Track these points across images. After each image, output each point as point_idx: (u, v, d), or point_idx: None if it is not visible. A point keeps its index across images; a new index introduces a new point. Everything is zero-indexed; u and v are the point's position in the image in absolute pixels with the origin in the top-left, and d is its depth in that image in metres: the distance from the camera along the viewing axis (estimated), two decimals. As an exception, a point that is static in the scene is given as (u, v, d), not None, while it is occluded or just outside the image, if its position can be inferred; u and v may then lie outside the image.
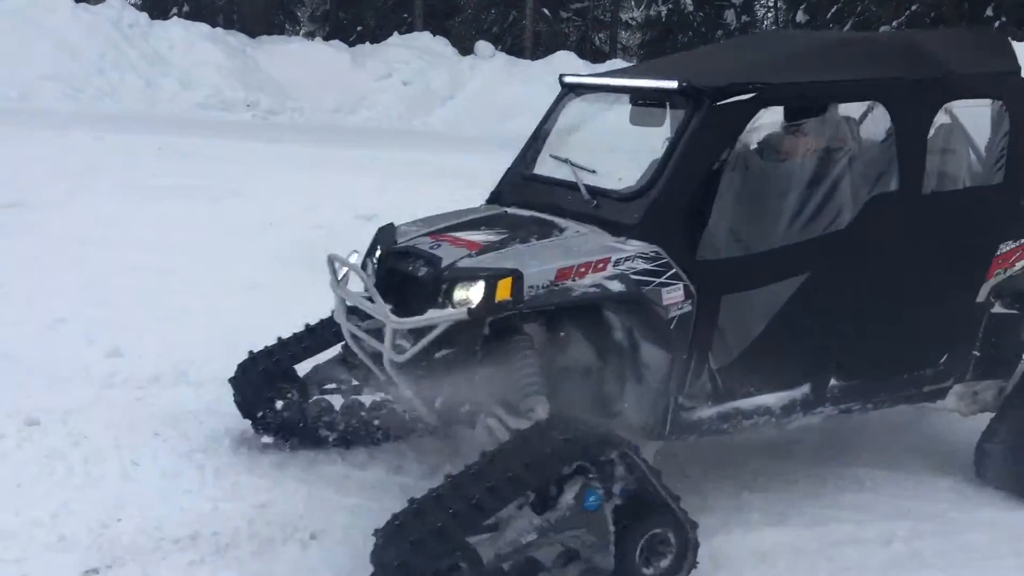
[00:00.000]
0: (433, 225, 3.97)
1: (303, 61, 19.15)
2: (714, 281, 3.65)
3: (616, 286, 3.47)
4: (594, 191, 3.81)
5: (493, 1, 24.59)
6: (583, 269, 3.45)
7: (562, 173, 4.04)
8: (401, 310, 3.48)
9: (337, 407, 4.38)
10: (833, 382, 3.95)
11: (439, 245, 3.70)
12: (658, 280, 3.52)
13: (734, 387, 3.78)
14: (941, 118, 4.20)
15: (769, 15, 26.09)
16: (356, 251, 3.93)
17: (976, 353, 4.29)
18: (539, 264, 3.45)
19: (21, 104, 14.54)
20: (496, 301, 3.36)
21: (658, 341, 3.54)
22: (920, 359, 4.18)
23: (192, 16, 19.77)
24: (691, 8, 25.07)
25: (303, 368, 4.43)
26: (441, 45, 20.52)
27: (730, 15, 25.08)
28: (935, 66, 4.01)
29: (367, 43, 21.39)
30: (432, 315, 3.42)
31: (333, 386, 4.40)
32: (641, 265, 3.50)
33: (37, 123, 12.63)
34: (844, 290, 3.87)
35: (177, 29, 18.47)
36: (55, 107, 14.67)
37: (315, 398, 4.37)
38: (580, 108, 4.37)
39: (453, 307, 3.39)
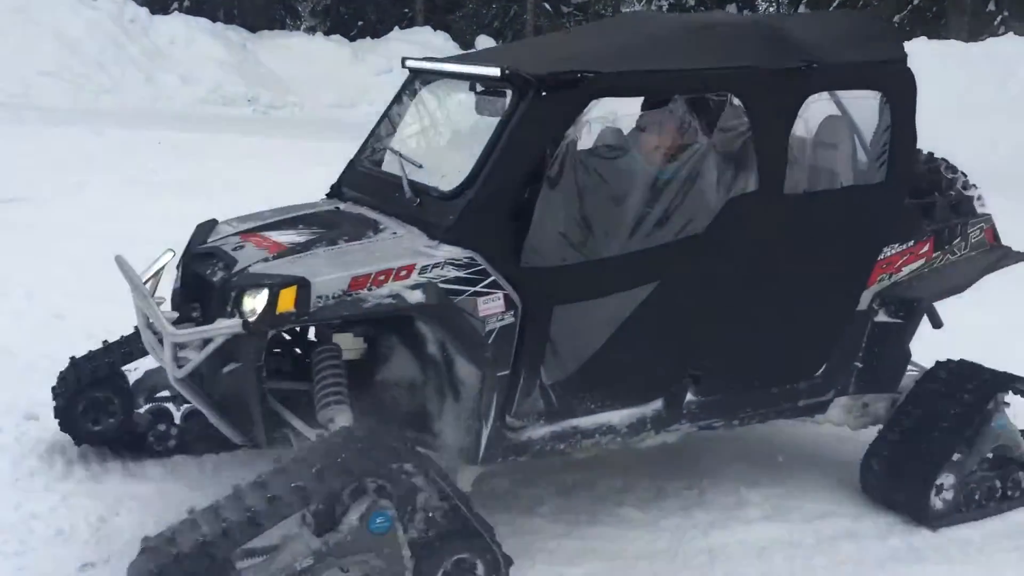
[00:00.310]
0: (251, 222, 3.63)
1: (304, 56, 19.16)
2: (543, 290, 3.33)
3: (417, 296, 3.11)
4: (419, 189, 3.44)
5: (493, -5, 24.53)
6: (382, 277, 3.10)
7: (398, 167, 3.62)
8: (204, 319, 3.18)
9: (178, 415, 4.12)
10: (690, 397, 3.65)
11: (242, 247, 3.36)
12: (473, 289, 3.19)
13: (572, 405, 3.46)
14: (827, 109, 3.94)
15: (771, 10, 26.04)
16: (172, 250, 3.58)
17: (858, 365, 4.01)
18: (333, 271, 3.11)
19: (21, 100, 14.55)
20: (278, 313, 3.02)
21: (472, 356, 3.21)
22: (792, 372, 3.88)
23: (193, 11, 19.74)
24: (692, 3, 25.06)
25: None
26: (442, 40, 20.52)
27: (731, 10, 25.03)
28: (799, 54, 3.63)
29: (368, 38, 21.41)
30: (207, 328, 3.08)
31: (167, 393, 4.08)
32: (452, 273, 3.17)
33: (37, 119, 12.65)
34: (699, 299, 3.55)
35: (178, 24, 18.47)
36: (55, 103, 14.69)
37: (148, 407, 4.11)
38: (429, 96, 3.99)
39: (241, 317, 3.04)
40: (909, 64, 3.82)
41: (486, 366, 3.20)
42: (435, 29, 21.18)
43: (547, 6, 23.45)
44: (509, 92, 3.39)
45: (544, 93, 3.23)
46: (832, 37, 3.87)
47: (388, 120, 4.02)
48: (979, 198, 4.28)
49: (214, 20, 19.23)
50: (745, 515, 3.94)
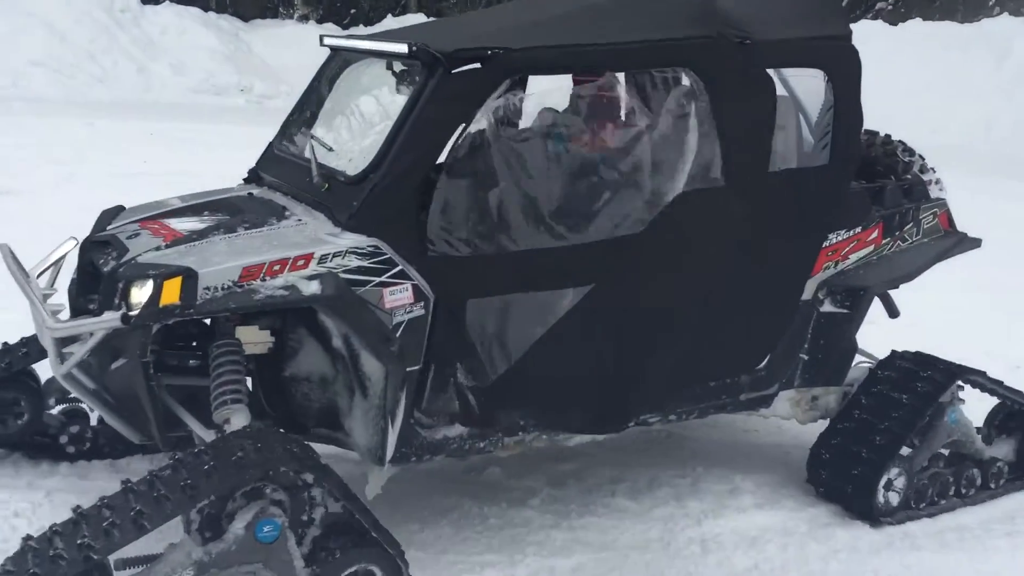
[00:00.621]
0: (155, 209, 3.40)
1: (297, 45, 18.98)
2: (455, 282, 3.13)
3: (313, 287, 2.90)
4: (327, 173, 3.22)
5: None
6: (277, 267, 2.89)
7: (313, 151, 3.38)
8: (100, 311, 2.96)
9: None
10: (628, 396, 3.46)
11: (138, 235, 3.16)
12: (378, 279, 2.99)
13: (492, 401, 3.26)
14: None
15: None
16: (75, 238, 3.35)
17: (804, 357, 3.84)
18: (224, 261, 2.90)
19: (11, 90, 14.44)
20: (161, 305, 2.80)
21: (376, 350, 3.00)
22: (733, 366, 3.70)
23: (184, 1, 19.59)
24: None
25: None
26: (435, 27, 20.39)
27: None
28: (731, 29, 3.35)
29: (361, 26, 21.25)
30: (85, 321, 2.90)
31: None
32: (355, 262, 2.96)
33: (27, 109, 12.55)
34: (635, 293, 3.34)
35: (169, 14, 18.33)
36: (45, 93, 14.56)
37: (62, 407, 3.88)
38: (351, 75, 3.77)
39: (128, 309, 2.84)
40: (870, 42, 3.67)
41: (390, 361, 3.01)
42: (428, 16, 21.04)
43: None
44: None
45: (453, 71, 3.03)
46: (771, 12, 3.64)
47: (308, 101, 3.81)
48: (937, 182, 4.15)
49: (206, 10, 19.10)
50: (738, 503, 3.90)
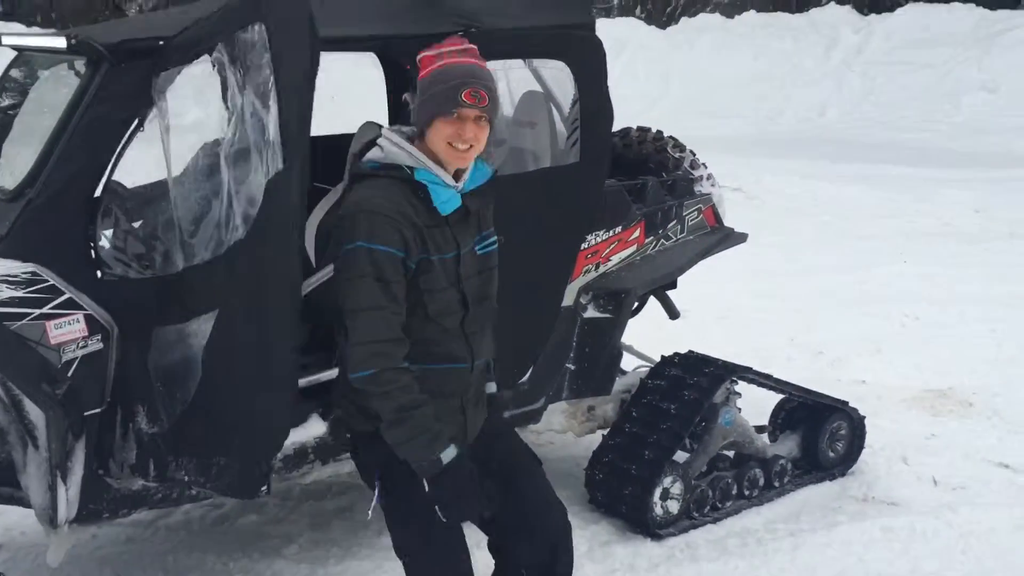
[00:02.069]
0: None
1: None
2: (137, 308, 2.71)
3: None
4: None
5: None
6: None
7: None
8: None
9: None
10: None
11: None
12: (39, 311, 2.57)
13: (185, 444, 2.76)
14: (529, 83, 3.52)
15: None
16: None
17: (570, 367, 3.63)
18: None
19: None
20: None
21: (33, 395, 2.55)
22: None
23: (5, 17, 18.46)
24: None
25: None
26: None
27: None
28: (456, 18, 3.11)
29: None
30: None
31: None
32: (6, 292, 2.54)
33: None
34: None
35: (-15, 32, 17.27)
36: None
37: None
38: (37, 78, 3.35)
39: None
40: (601, 32, 3.39)
41: (49, 407, 2.55)
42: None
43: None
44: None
45: (121, 65, 2.68)
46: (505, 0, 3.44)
47: None
48: (708, 177, 4.08)
49: (29, 25, 18.04)
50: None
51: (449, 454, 2.31)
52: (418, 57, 2.35)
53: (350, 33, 3.05)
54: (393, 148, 2.34)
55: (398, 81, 3.59)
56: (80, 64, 2.89)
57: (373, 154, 2.36)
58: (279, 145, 2.48)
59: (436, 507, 2.34)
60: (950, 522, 3.70)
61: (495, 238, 2.52)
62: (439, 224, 2.34)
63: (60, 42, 2.76)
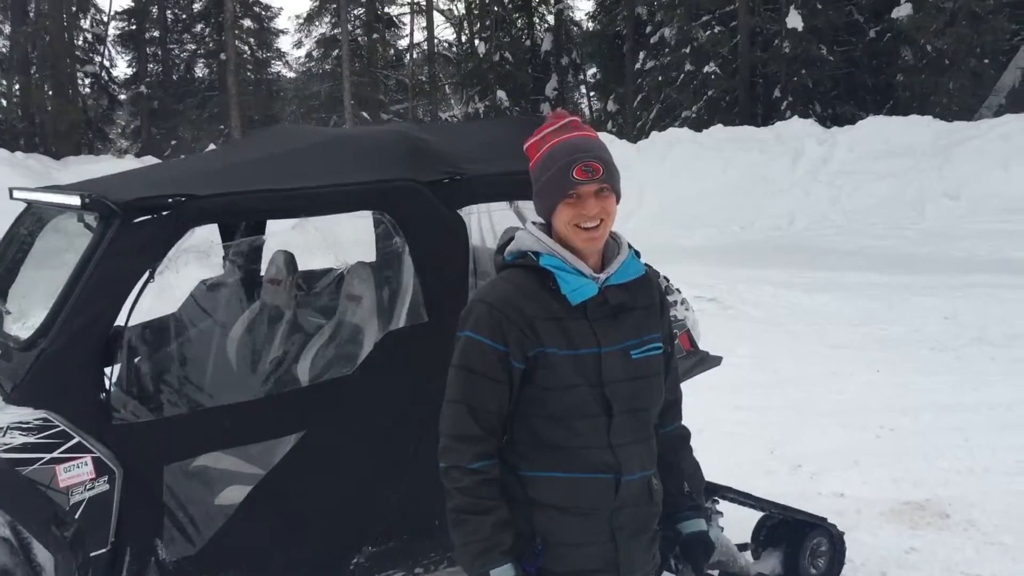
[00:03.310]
0: None
1: (113, 180, 18.48)
2: (148, 449, 2.88)
3: None
4: (2, 339, 2.99)
5: (313, 107, 24.57)
6: None
7: None
8: None
9: None
10: (360, 550, 3.22)
11: None
12: (49, 456, 2.70)
13: (201, 571, 2.99)
14: (512, 220, 3.59)
15: (582, 105, 27.12)
16: None
17: None
18: None
19: None
20: None
21: (42, 537, 2.68)
22: None
23: (-12, 142, 18.86)
24: (507, 103, 25.77)
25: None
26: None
27: (546, 108, 25.92)
28: (443, 166, 3.32)
29: (182, 156, 20.93)
30: None
31: None
32: (19, 439, 2.67)
33: None
34: (351, 434, 3.16)
35: (-30, 156, 17.54)
36: None
37: None
38: (46, 228, 3.55)
39: None
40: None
41: (58, 549, 2.67)
42: (252, 143, 20.98)
43: (365, 115, 23.61)
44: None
45: (133, 221, 2.85)
46: (484, 145, 3.59)
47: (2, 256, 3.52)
48: (682, 302, 4.21)
49: (13, 150, 18.39)
50: None
51: (502, 573, 2.06)
52: (524, 147, 2.24)
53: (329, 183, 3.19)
54: (524, 236, 2.19)
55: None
56: (90, 217, 3.05)
57: (511, 246, 2.21)
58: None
59: None
60: (933, 638, 3.73)
61: (658, 344, 2.24)
62: (574, 316, 2.12)
63: (74, 199, 2.94)
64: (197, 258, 3.24)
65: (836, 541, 4.15)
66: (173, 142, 23.16)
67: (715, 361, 4.26)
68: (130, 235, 2.85)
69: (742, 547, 4.14)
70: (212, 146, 21.18)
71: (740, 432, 6.08)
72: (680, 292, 4.32)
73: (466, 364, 2.09)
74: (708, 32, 21.46)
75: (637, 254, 2.23)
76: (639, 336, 2.18)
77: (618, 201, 2.15)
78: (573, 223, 2.10)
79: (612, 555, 2.14)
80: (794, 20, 20.05)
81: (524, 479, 2.13)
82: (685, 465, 2.33)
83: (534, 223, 2.19)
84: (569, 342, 2.09)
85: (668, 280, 4.34)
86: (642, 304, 2.21)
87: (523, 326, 2.08)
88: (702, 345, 4.32)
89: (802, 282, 10.98)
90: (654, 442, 2.24)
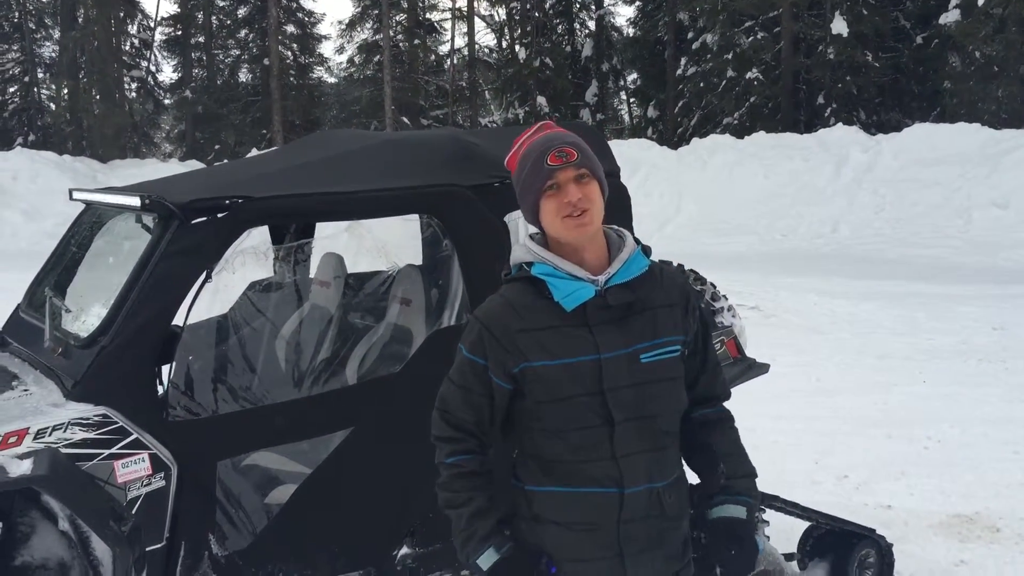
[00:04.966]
0: None
1: (158, 183, 18.77)
2: (202, 445, 2.93)
3: (24, 467, 2.61)
4: (63, 337, 3.02)
5: (354, 112, 24.75)
6: None
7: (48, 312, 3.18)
8: None
9: None
10: (405, 551, 3.22)
11: None
12: (108, 452, 2.74)
13: (253, 562, 3.02)
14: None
15: (622, 111, 27.07)
16: None
17: None
18: None
19: None
20: None
21: (101, 531, 2.70)
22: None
23: (38, 145, 19.22)
24: (547, 109, 25.78)
25: None
26: (301, 159, 20.46)
27: (585, 114, 25.89)
28: (490, 169, 3.30)
29: (226, 160, 21.20)
30: None
31: None
32: (79, 435, 2.70)
33: None
34: (398, 431, 3.14)
35: (21, 159, 17.92)
36: None
37: None
38: (105, 228, 3.57)
39: None
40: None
41: (117, 543, 2.69)
42: (294, 148, 21.19)
43: (405, 120, 23.74)
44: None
45: (191, 222, 2.90)
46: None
47: (58, 258, 3.55)
48: (729, 309, 4.17)
49: (61, 153, 18.77)
50: None
51: (487, 559, 2.04)
52: (505, 162, 2.19)
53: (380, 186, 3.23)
54: (518, 248, 2.13)
55: None
56: (148, 218, 3.10)
57: (510, 261, 2.16)
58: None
59: None
60: (984, 653, 3.67)
61: (675, 347, 2.09)
62: (572, 323, 2.02)
63: (134, 201, 2.98)
64: (254, 259, 3.29)
65: (884, 553, 4.09)
66: (216, 146, 23.45)
67: (763, 368, 4.22)
68: (188, 236, 2.88)
69: (788, 557, 4.10)
70: (255, 150, 21.46)
71: (785, 441, 6.01)
72: (727, 299, 4.29)
73: (450, 374, 2.12)
74: (751, 38, 21.33)
75: (646, 252, 2.11)
76: (653, 338, 2.05)
77: (604, 193, 2.05)
78: (559, 215, 2.01)
79: (620, 572, 2.04)
80: (839, 26, 19.86)
81: (529, 495, 2.08)
82: (720, 447, 2.17)
83: (530, 236, 2.13)
84: (561, 351, 2.00)
85: (715, 287, 4.31)
86: (659, 303, 2.08)
87: (505, 343, 2.02)
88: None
89: (845, 291, 10.85)
90: (672, 451, 2.11)
